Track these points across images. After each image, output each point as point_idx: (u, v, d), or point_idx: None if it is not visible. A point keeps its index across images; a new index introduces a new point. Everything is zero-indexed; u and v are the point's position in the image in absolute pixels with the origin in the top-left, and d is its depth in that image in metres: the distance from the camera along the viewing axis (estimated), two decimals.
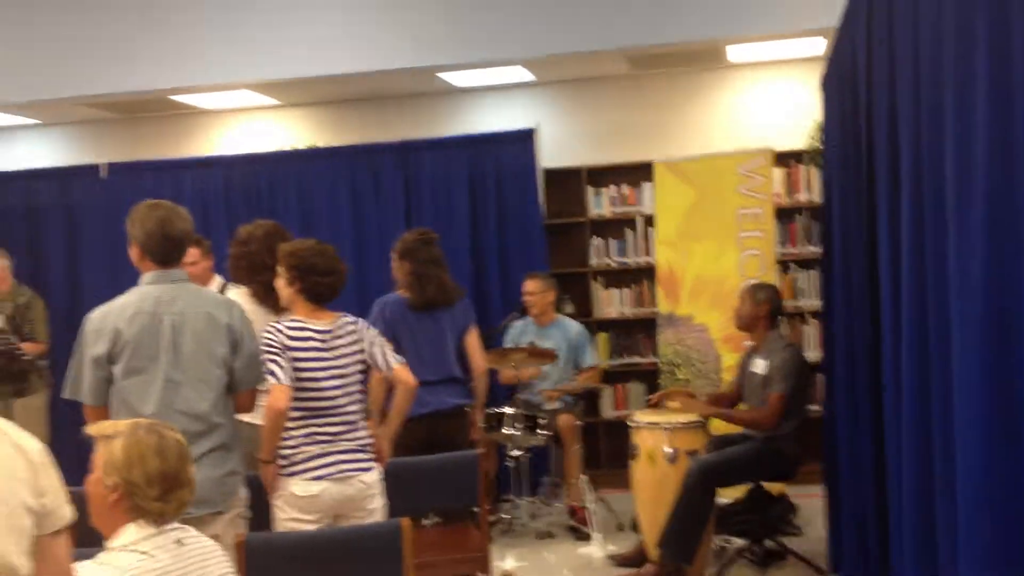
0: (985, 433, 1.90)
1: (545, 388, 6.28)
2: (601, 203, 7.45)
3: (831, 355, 4.76)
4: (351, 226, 7.16)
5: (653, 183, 6.76)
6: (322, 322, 3.74)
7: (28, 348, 6.36)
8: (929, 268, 2.37)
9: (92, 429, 2.42)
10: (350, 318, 3.85)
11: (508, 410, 5.76)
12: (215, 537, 2.77)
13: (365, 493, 3.70)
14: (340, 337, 3.75)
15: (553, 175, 7.38)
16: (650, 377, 7.10)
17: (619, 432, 6.23)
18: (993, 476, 1.88)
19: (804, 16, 6.15)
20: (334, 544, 3.29)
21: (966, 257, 1.95)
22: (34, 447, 1.91)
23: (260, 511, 3.67)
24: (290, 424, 3.66)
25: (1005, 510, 1.86)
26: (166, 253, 3.46)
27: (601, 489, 6.41)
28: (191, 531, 2.45)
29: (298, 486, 3.62)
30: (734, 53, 7.01)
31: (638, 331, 7.42)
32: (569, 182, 7.46)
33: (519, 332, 6.49)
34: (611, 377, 7.36)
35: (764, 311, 5.20)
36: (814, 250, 6.83)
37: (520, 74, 7.28)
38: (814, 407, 5.57)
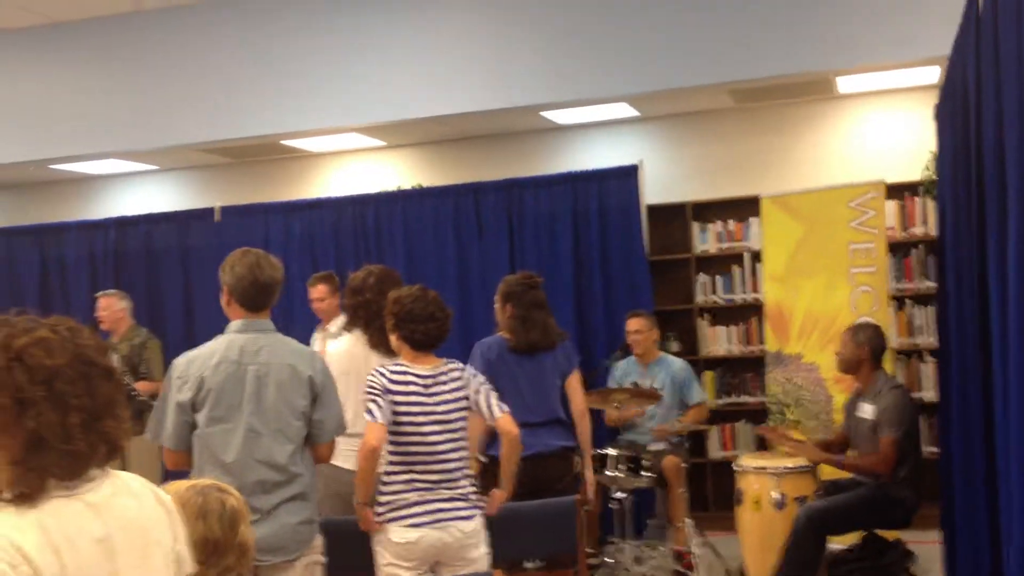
0: None
1: (650, 428, 6.17)
2: (707, 239, 7.33)
3: (947, 394, 4.55)
4: (455, 265, 7.21)
5: (760, 218, 6.62)
6: (425, 367, 3.73)
7: (143, 387, 6.55)
8: None
9: (165, 488, 2.44)
10: (455, 364, 3.83)
11: (611, 451, 5.67)
12: None
13: (464, 542, 3.65)
14: (442, 384, 3.73)
15: (657, 211, 7.29)
16: (759, 417, 6.91)
17: (726, 473, 6.07)
18: None
19: (917, 45, 5.95)
20: None
21: None
22: (166, 497, 1.96)
23: (356, 555, 3.67)
24: (390, 469, 3.66)
25: None
26: (254, 300, 3.49)
27: (708, 532, 6.24)
28: None
29: (396, 532, 3.60)
30: (844, 84, 6.83)
31: (746, 370, 7.24)
32: (674, 218, 7.36)
33: (623, 372, 6.40)
34: (718, 417, 7.19)
35: (866, 352, 5.01)
36: (930, 285, 6.57)
37: (624, 110, 7.24)
38: (932, 448, 5.33)
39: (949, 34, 4.13)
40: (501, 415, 3.79)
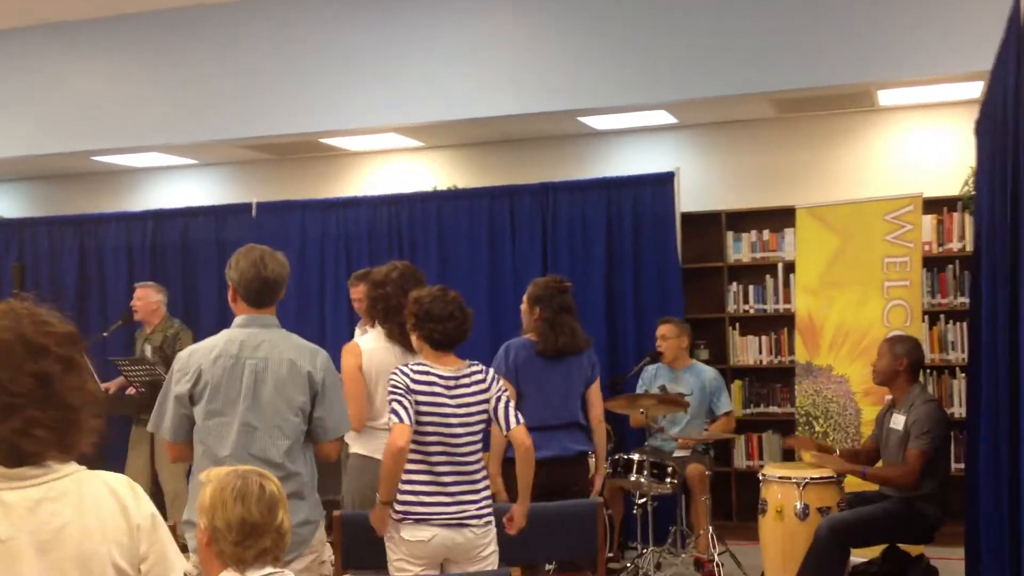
0: None
1: (677, 434, 6.17)
2: (740, 248, 7.30)
3: (976, 411, 4.51)
4: (488, 267, 7.24)
5: (795, 229, 6.60)
6: (447, 368, 3.74)
7: None
8: None
9: (201, 475, 2.47)
10: (478, 367, 3.83)
11: (636, 456, 5.67)
12: None
13: (475, 542, 3.66)
14: (465, 385, 3.74)
15: (692, 219, 7.28)
16: (786, 428, 6.88)
17: (752, 483, 6.03)
18: None
19: (959, 59, 5.91)
20: None
21: None
22: (143, 510, 1.88)
23: (369, 550, 3.68)
24: (410, 467, 3.67)
25: None
26: (258, 295, 3.49)
27: (731, 541, 6.22)
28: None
29: (408, 530, 3.62)
30: (885, 96, 6.79)
31: (775, 380, 7.21)
32: (708, 226, 7.35)
33: (651, 376, 6.40)
34: (745, 426, 7.16)
35: (903, 365, 4.97)
36: (965, 301, 6.51)
37: (661, 117, 7.23)
38: (958, 465, 5.28)
39: (991, 49, 4.10)
40: (516, 426, 3.78)
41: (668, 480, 5.60)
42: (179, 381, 3.44)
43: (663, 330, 6.32)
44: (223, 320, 7.54)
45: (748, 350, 7.25)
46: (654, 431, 6.12)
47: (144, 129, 7.47)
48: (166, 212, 8.09)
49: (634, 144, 7.71)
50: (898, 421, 4.91)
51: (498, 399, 3.79)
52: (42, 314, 1.80)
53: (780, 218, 7.08)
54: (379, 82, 6.96)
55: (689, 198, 7.23)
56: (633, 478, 5.61)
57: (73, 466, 1.82)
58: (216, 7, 7.27)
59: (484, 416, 3.77)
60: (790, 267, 6.92)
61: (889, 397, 5.19)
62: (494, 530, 3.75)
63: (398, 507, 3.66)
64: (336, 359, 3.90)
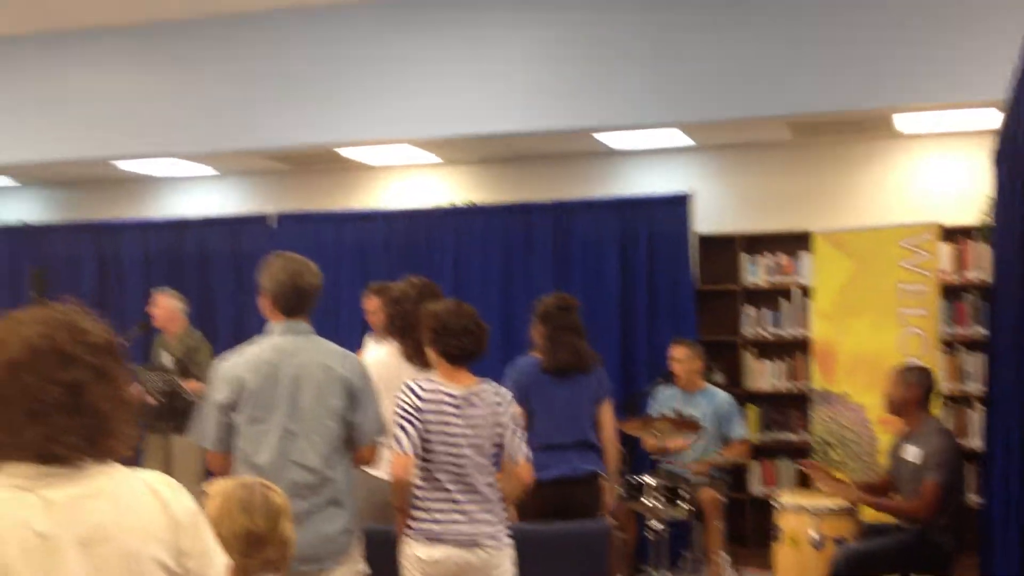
0: None
1: (689, 459, 6.14)
2: (756, 271, 7.28)
3: (992, 443, 4.48)
4: (502, 283, 7.24)
5: (811, 253, 6.58)
6: (459, 386, 3.72)
7: (194, 388, 6.65)
8: None
9: (207, 487, 2.48)
10: (492, 386, 3.81)
11: (649, 480, 5.64)
12: None
13: (489, 563, 3.65)
14: (476, 406, 3.71)
15: (707, 241, 7.27)
16: (802, 454, 6.81)
17: (766, 510, 6.00)
18: None
19: (978, 86, 5.89)
20: None
21: None
22: (184, 507, 1.88)
23: (382, 566, 3.68)
24: (421, 484, 3.66)
25: None
26: (294, 305, 3.54)
27: (744, 568, 6.19)
28: None
29: (422, 549, 3.62)
30: (903, 123, 6.77)
31: (790, 406, 7.16)
32: (723, 249, 7.33)
33: (665, 399, 6.37)
34: (760, 452, 7.12)
35: (915, 394, 4.94)
36: (983, 331, 6.46)
37: (677, 138, 7.23)
38: (973, 496, 5.23)
39: (1008, 76, 4.09)
40: (523, 462, 3.78)
41: (682, 505, 5.57)
42: (220, 390, 3.47)
43: (677, 352, 6.29)
44: (239, 330, 7.67)
45: (763, 375, 7.21)
46: (668, 455, 6.09)
47: (164, 136, 7.51)
48: (184, 222, 8.13)
49: (650, 165, 7.71)
50: (911, 452, 4.87)
51: (512, 430, 3.77)
52: (80, 321, 1.82)
53: (796, 242, 7.06)
54: (398, 96, 6.99)
55: (704, 220, 7.22)
56: (646, 501, 5.58)
57: (112, 465, 1.83)
58: (239, 19, 7.30)
59: (497, 439, 3.74)
60: (806, 291, 6.90)
61: (903, 427, 5.15)
62: (511, 552, 3.73)
63: (412, 524, 3.65)
64: None
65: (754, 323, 7.24)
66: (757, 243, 7.30)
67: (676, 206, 6.97)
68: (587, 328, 5.22)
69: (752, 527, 7.00)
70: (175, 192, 8.78)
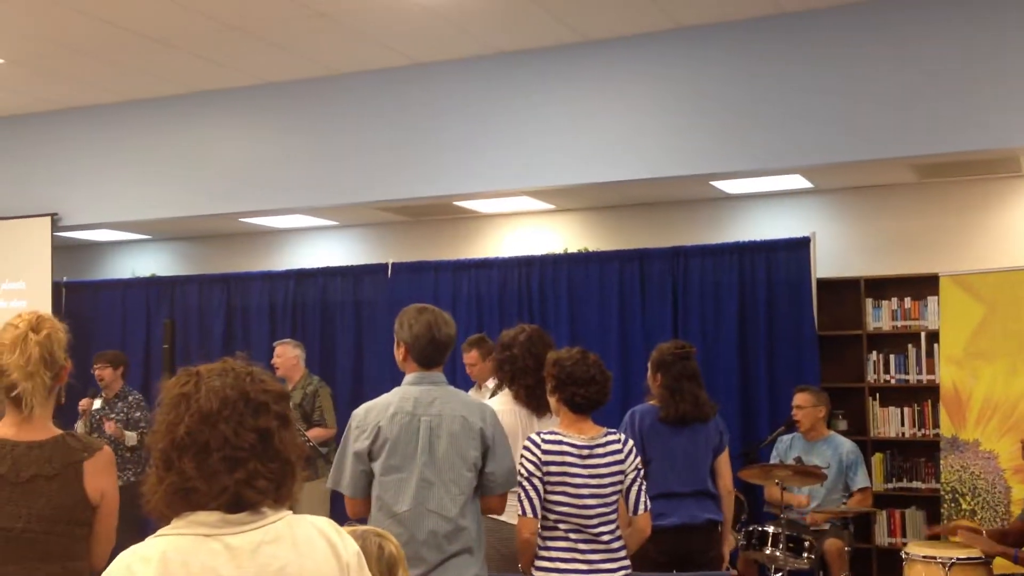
0: None
1: (812, 509, 5.98)
2: (880, 316, 7.08)
3: None
4: (618, 330, 7.21)
5: (938, 297, 6.38)
6: (582, 436, 3.70)
7: (315, 434, 6.79)
8: None
9: None
10: (615, 435, 3.79)
11: (772, 529, 5.51)
12: None
13: None
14: (599, 456, 3.70)
15: (828, 285, 7.11)
16: (930, 504, 6.58)
17: (893, 562, 5.79)
18: None
19: None
20: None
21: None
22: (351, 550, 1.94)
23: None
24: (545, 535, 3.67)
25: None
26: (431, 356, 3.60)
27: None
28: None
29: None
30: None
31: (918, 454, 6.91)
32: (846, 293, 7.15)
33: (786, 447, 6.24)
34: (886, 501, 6.88)
35: None
36: None
37: (796, 181, 7.13)
38: None
39: None
40: (643, 512, 3.76)
41: (805, 555, 5.42)
42: (357, 438, 3.53)
43: (799, 399, 6.16)
44: (359, 376, 7.83)
45: (889, 422, 6.98)
46: (791, 510, 5.94)
47: (287, 192, 7.76)
48: (306, 272, 8.36)
49: (768, 208, 7.61)
50: None
51: (633, 479, 3.74)
52: (258, 373, 1.92)
53: (922, 285, 6.85)
54: (511, 146, 7.08)
55: (825, 264, 7.08)
56: (768, 551, 5.45)
57: (284, 511, 1.90)
58: (354, 77, 7.53)
59: (618, 488, 3.72)
60: (933, 336, 6.68)
61: None
62: None
63: (536, 573, 3.64)
64: None
65: (879, 369, 7.03)
66: (881, 287, 7.12)
67: (797, 250, 6.86)
68: (705, 375, 5.14)
69: None
70: (297, 243, 9.05)
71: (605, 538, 3.66)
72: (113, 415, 6.99)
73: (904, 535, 6.80)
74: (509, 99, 7.10)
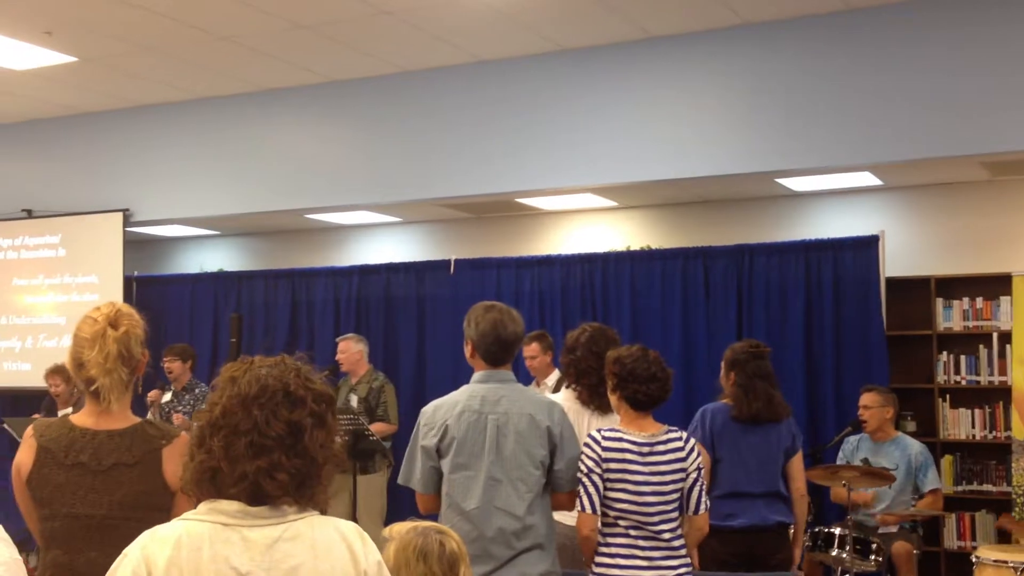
0: None
1: (880, 511, 5.88)
2: (951, 316, 6.94)
3: None
4: (681, 328, 7.16)
5: (1011, 297, 6.24)
6: (643, 434, 3.70)
7: (378, 429, 6.84)
8: None
9: (384, 531, 2.52)
10: (676, 433, 3.77)
11: (838, 530, 5.43)
12: None
13: None
14: (660, 453, 3.69)
15: (897, 284, 6.98)
16: (1001, 507, 6.44)
17: (964, 565, 5.69)
18: None
19: None
20: None
21: None
22: (371, 558, 1.95)
23: None
24: (605, 531, 3.67)
25: None
26: (497, 354, 3.60)
27: None
28: None
29: None
30: None
31: (989, 456, 6.77)
32: (915, 292, 7.03)
33: (853, 448, 6.15)
34: (956, 504, 6.75)
35: None
36: None
37: (865, 179, 7.01)
38: None
39: None
40: (702, 512, 3.75)
41: (872, 557, 5.34)
42: (426, 435, 3.57)
43: (867, 399, 6.07)
44: (421, 371, 7.88)
45: (960, 424, 6.85)
46: (858, 510, 5.85)
47: (352, 189, 7.84)
48: (370, 268, 8.42)
49: (835, 206, 7.50)
50: None
51: (694, 479, 3.73)
52: (308, 371, 1.96)
53: (994, 285, 6.71)
54: (575, 143, 7.06)
55: (894, 263, 6.95)
56: (835, 553, 5.38)
57: (309, 511, 1.92)
58: (418, 75, 7.56)
59: (679, 485, 3.70)
60: (1005, 337, 6.54)
61: None
62: None
63: (595, 569, 3.65)
64: None
65: (949, 370, 6.90)
66: (952, 286, 6.98)
67: (865, 248, 6.75)
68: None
69: None
70: (361, 240, 9.12)
71: (666, 536, 3.65)
72: (181, 407, 7.12)
73: (974, 539, 6.66)
74: (573, 96, 7.09)
